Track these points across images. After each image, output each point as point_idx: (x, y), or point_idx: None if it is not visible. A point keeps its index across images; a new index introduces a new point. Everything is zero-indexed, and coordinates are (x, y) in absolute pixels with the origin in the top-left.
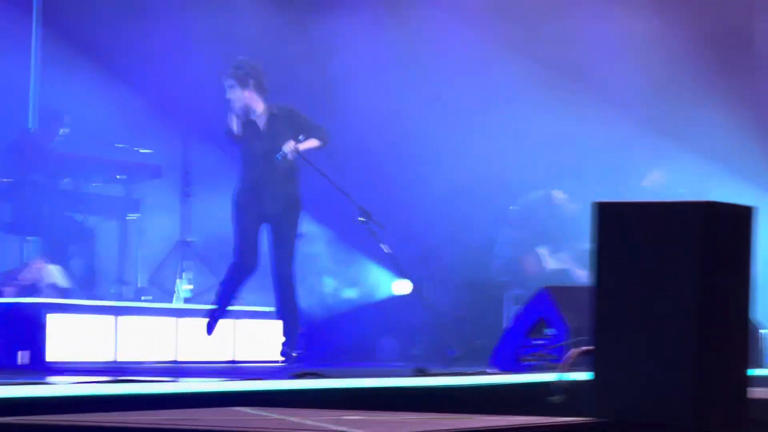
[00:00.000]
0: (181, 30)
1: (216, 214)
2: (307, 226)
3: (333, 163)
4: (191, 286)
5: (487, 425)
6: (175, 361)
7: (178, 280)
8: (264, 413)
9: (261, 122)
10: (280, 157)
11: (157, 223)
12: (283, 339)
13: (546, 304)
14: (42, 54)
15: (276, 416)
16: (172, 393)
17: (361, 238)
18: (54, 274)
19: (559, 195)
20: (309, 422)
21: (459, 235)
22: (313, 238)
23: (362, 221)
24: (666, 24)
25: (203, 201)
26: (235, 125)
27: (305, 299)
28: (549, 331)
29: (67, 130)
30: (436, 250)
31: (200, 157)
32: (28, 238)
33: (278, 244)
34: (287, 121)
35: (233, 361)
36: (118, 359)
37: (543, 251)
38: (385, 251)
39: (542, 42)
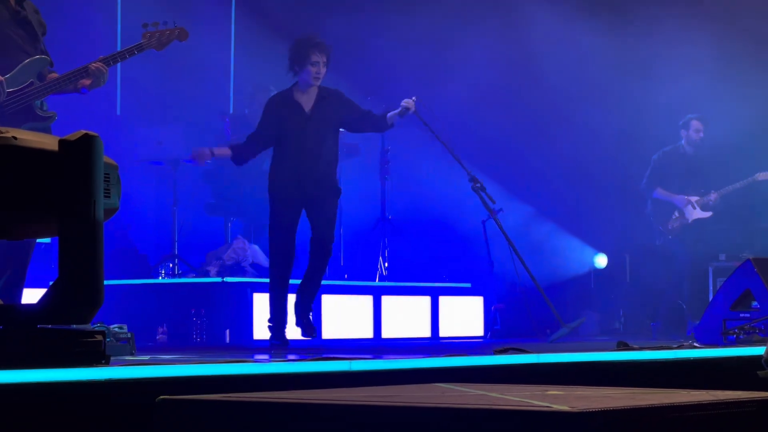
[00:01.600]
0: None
1: (410, 190)
2: (506, 203)
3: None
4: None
5: (693, 400)
6: (377, 339)
7: (380, 258)
8: (465, 389)
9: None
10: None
11: (358, 202)
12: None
13: (751, 276)
14: (238, 40)
15: (477, 392)
16: (372, 369)
17: (559, 214)
18: (257, 253)
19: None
20: (510, 397)
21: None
22: (512, 215)
23: (477, 187)
24: None
25: (399, 178)
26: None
27: (508, 276)
28: (755, 304)
29: None
30: (632, 222)
31: (397, 135)
32: (231, 218)
33: (325, 223)
34: (336, 105)
35: (435, 338)
36: (323, 337)
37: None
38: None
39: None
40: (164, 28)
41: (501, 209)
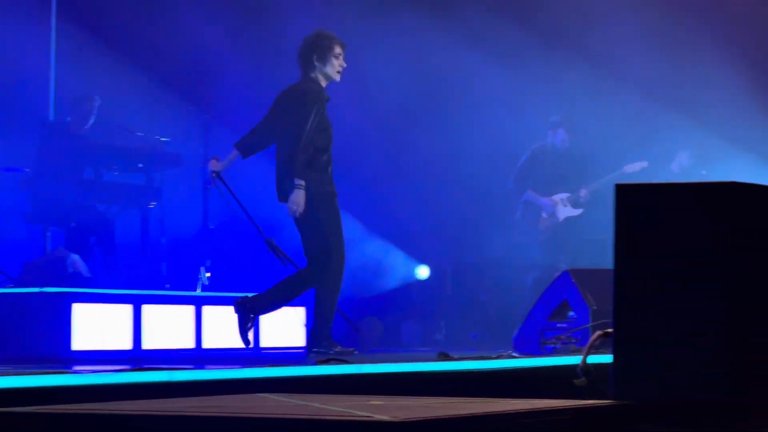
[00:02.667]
0: (198, 16)
1: (233, 200)
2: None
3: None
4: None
5: (510, 409)
6: (198, 349)
7: (201, 268)
8: (287, 399)
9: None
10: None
11: (178, 211)
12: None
13: (568, 286)
14: (59, 44)
15: (299, 402)
16: (195, 380)
17: (382, 223)
18: (76, 263)
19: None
20: (332, 407)
21: (477, 218)
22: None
23: (272, 247)
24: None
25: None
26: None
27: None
28: (572, 314)
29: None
30: (455, 233)
31: (221, 144)
32: (49, 228)
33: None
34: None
35: (257, 348)
36: (142, 347)
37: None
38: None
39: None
40: None
41: None
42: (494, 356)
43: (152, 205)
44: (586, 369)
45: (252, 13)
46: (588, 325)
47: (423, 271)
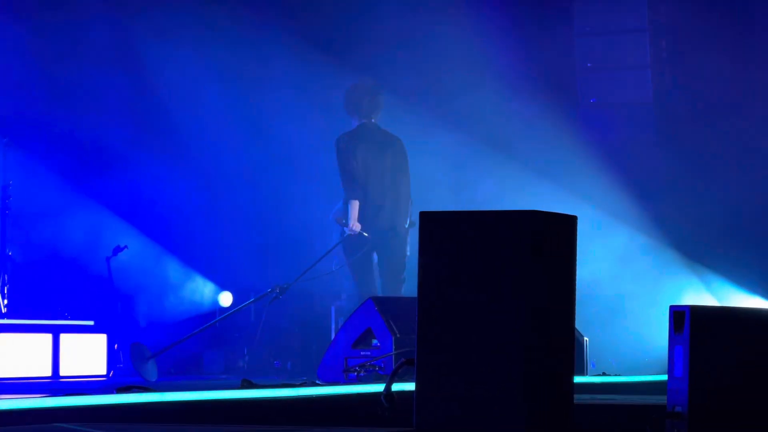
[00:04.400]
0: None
1: (35, 226)
2: (132, 240)
3: None
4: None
5: None
6: None
7: None
8: (86, 429)
9: None
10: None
11: None
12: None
13: (372, 314)
14: None
15: None
16: None
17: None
18: None
19: None
20: None
21: (280, 244)
22: (139, 252)
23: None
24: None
25: (22, 213)
26: None
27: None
28: (375, 342)
29: None
30: (256, 259)
31: (19, 169)
32: None
33: None
34: None
35: (56, 377)
36: None
37: None
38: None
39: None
40: None
41: (126, 246)
42: (298, 384)
43: None
44: (390, 397)
45: None
46: (391, 353)
47: (226, 298)
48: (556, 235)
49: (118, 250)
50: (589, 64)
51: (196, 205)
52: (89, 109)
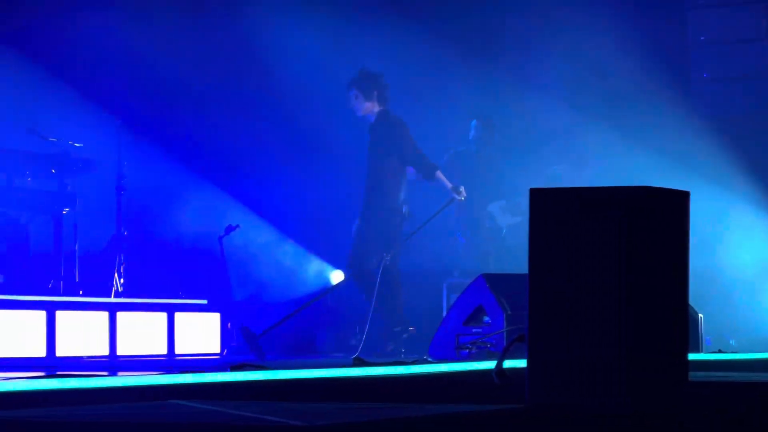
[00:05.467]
0: (109, 18)
1: (149, 206)
2: (243, 219)
3: None
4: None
5: (426, 413)
6: (112, 356)
7: (116, 274)
8: (201, 406)
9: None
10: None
11: (91, 217)
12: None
13: (483, 291)
14: None
15: (213, 408)
16: (108, 387)
17: (297, 229)
18: None
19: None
20: (246, 413)
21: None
22: (250, 232)
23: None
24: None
25: (137, 193)
26: None
27: (243, 291)
28: (487, 319)
29: None
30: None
31: (133, 149)
32: None
33: None
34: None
35: (171, 355)
36: (56, 354)
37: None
38: None
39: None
40: None
41: (238, 225)
42: (409, 362)
43: (65, 211)
44: (501, 373)
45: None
46: (503, 330)
47: (337, 276)
48: (668, 211)
49: (230, 229)
50: (702, 38)
51: (311, 187)
52: (205, 97)
